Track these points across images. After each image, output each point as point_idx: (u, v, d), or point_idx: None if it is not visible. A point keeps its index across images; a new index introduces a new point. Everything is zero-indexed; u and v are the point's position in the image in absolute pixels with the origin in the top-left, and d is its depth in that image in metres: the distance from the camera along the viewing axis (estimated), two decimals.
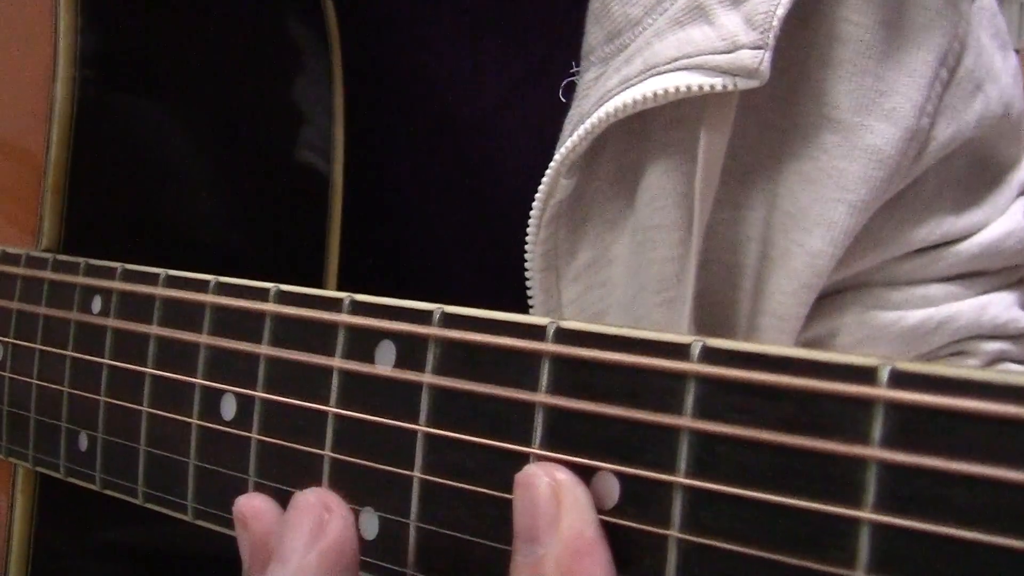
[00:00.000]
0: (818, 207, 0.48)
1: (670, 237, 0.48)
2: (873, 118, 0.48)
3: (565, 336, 0.28)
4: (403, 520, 0.31)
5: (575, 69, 0.51)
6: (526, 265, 0.49)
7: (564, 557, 0.26)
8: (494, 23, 0.55)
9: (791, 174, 0.48)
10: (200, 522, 0.38)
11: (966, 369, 0.22)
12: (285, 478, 0.35)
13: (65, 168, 0.49)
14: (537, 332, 0.29)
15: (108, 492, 0.42)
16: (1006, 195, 0.55)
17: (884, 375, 0.23)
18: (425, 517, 0.31)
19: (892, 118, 0.48)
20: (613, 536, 0.27)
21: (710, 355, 0.25)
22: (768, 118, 0.48)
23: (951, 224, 0.52)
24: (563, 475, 0.27)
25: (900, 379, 0.22)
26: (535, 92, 0.54)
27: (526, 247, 0.49)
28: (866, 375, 0.23)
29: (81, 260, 0.44)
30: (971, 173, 0.54)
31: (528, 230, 0.49)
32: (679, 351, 0.26)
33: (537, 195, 0.48)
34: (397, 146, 0.58)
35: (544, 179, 0.48)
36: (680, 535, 0.26)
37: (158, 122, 0.53)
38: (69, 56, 0.49)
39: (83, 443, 0.43)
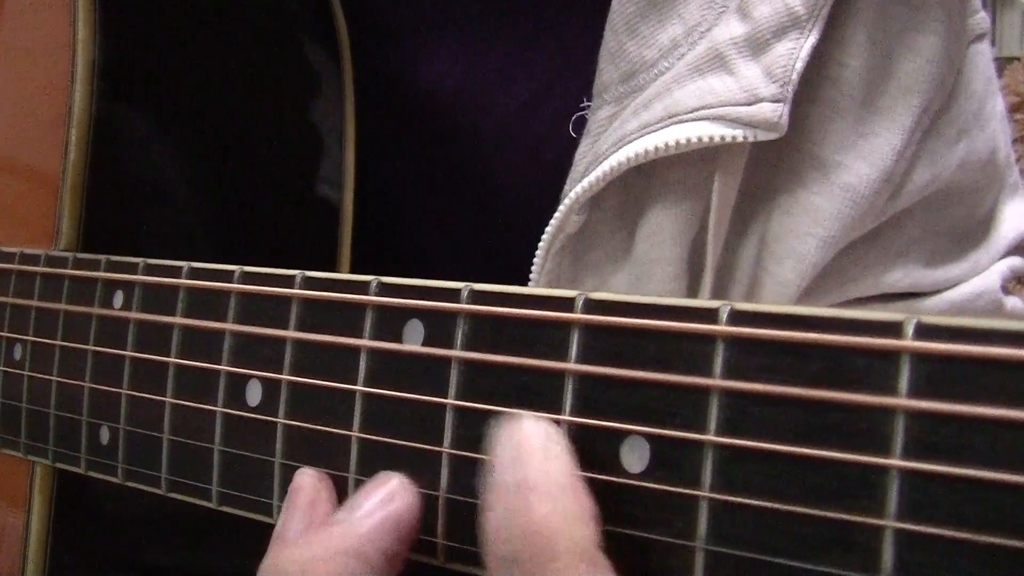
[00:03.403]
0: (790, 239, 0.49)
1: (665, 272, 0.49)
2: (851, 158, 0.48)
3: (594, 306, 0.29)
4: (433, 493, 0.32)
5: (585, 104, 0.51)
6: None
7: (555, 471, 0.28)
8: (499, 43, 0.56)
9: (774, 205, 0.49)
10: (224, 508, 0.39)
11: (988, 319, 0.23)
12: (313, 460, 0.36)
13: (83, 171, 0.49)
14: (566, 304, 0.29)
15: (130, 484, 0.43)
16: (989, 254, 0.56)
17: (910, 328, 0.24)
18: (456, 489, 0.31)
19: (870, 159, 0.48)
20: (643, 499, 0.28)
21: (738, 318, 0.26)
22: (761, 152, 0.49)
23: (923, 275, 0.53)
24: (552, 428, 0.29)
25: (925, 331, 0.23)
26: (539, 113, 0.54)
27: (530, 276, 0.50)
28: (892, 329, 0.24)
29: (102, 257, 0.45)
30: (961, 227, 0.55)
31: (534, 261, 0.49)
32: (707, 316, 0.27)
33: (548, 228, 0.49)
34: (402, 160, 0.59)
35: (556, 214, 0.49)
36: (711, 495, 0.26)
37: (172, 134, 0.54)
38: (87, 67, 0.50)
39: (105, 436, 0.43)
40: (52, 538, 0.49)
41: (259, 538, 0.38)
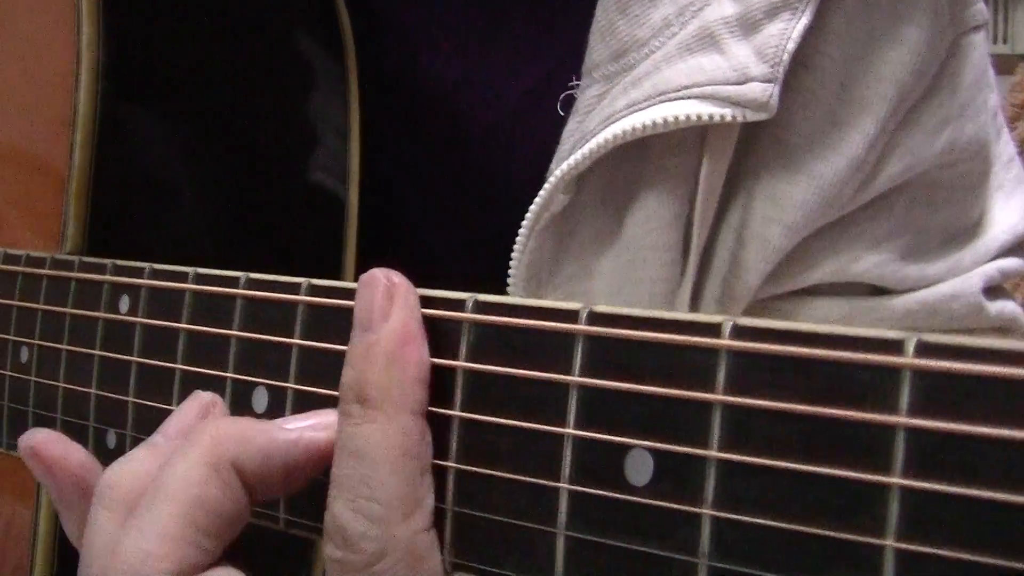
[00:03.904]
0: (755, 224, 0.48)
1: (662, 258, 0.48)
2: (822, 146, 0.48)
3: (598, 319, 0.29)
4: (439, 505, 0.32)
5: (574, 83, 0.51)
6: (510, 272, 0.50)
7: (392, 341, 0.32)
8: (505, 33, 0.56)
9: (742, 189, 0.49)
10: None
11: (989, 340, 0.23)
12: None
13: (88, 173, 0.50)
14: (570, 316, 0.30)
15: None
16: (975, 256, 0.55)
17: (911, 346, 0.24)
18: (461, 501, 0.32)
19: (840, 149, 0.48)
20: (646, 512, 0.28)
21: (741, 332, 0.26)
22: (741, 136, 0.49)
23: (894, 269, 0.52)
24: (398, 279, 0.33)
25: (926, 349, 0.24)
26: (543, 103, 0.54)
27: (512, 255, 0.50)
28: (893, 346, 0.24)
29: (108, 261, 0.45)
30: (952, 227, 0.54)
31: (517, 240, 0.49)
32: (710, 330, 0.27)
33: (532, 207, 0.49)
34: (405, 154, 0.59)
35: (542, 192, 0.48)
36: (713, 511, 0.27)
37: (177, 135, 0.54)
38: (92, 68, 0.50)
39: (111, 440, 0.44)
40: (60, 536, 0.49)
41: (265, 536, 0.38)
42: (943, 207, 0.54)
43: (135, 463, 0.36)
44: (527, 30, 0.56)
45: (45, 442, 0.40)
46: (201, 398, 0.38)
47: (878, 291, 0.53)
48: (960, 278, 0.54)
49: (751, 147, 0.49)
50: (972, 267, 0.55)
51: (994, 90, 0.56)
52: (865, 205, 0.51)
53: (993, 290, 0.56)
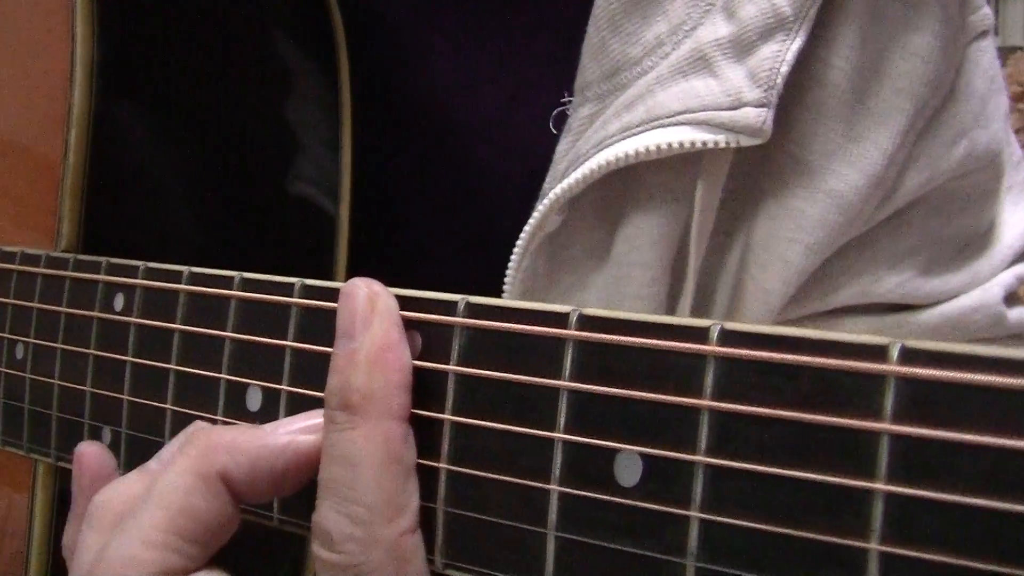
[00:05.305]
0: (775, 244, 0.48)
1: (643, 276, 0.48)
2: (839, 163, 0.47)
3: (587, 322, 0.29)
4: (431, 505, 0.32)
5: (566, 99, 0.51)
6: (504, 289, 0.50)
7: (373, 349, 0.32)
8: (493, 34, 0.56)
9: (760, 209, 0.49)
10: None
11: (971, 346, 0.23)
12: None
13: (82, 173, 0.50)
14: (560, 319, 0.30)
15: None
16: (992, 264, 0.54)
17: (895, 352, 0.24)
18: (453, 503, 0.32)
19: (858, 165, 0.47)
20: (635, 513, 0.28)
21: (728, 337, 0.27)
22: (747, 154, 0.48)
23: (917, 285, 0.52)
24: (379, 288, 0.34)
25: (910, 356, 0.24)
26: (527, 108, 0.54)
27: (507, 274, 0.49)
28: (878, 352, 0.24)
29: (103, 259, 0.45)
30: (966, 235, 0.54)
31: (512, 258, 0.49)
32: (698, 334, 0.27)
33: (526, 228, 0.48)
34: (396, 158, 0.59)
35: (535, 214, 0.48)
36: (701, 513, 0.27)
37: (171, 134, 0.54)
38: (86, 64, 0.50)
39: (106, 437, 0.44)
40: (55, 533, 0.50)
41: (258, 536, 0.39)
42: (957, 216, 0.53)
43: (125, 485, 0.37)
44: (512, 33, 0.56)
45: (87, 455, 0.42)
46: (197, 427, 0.38)
47: (903, 306, 0.53)
48: (980, 289, 0.54)
49: (765, 166, 0.48)
50: (990, 276, 0.54)
51: (1003, 93, 0.55)
52: (883, 223, 0.51)
53: (1010, 298, 0.56)
